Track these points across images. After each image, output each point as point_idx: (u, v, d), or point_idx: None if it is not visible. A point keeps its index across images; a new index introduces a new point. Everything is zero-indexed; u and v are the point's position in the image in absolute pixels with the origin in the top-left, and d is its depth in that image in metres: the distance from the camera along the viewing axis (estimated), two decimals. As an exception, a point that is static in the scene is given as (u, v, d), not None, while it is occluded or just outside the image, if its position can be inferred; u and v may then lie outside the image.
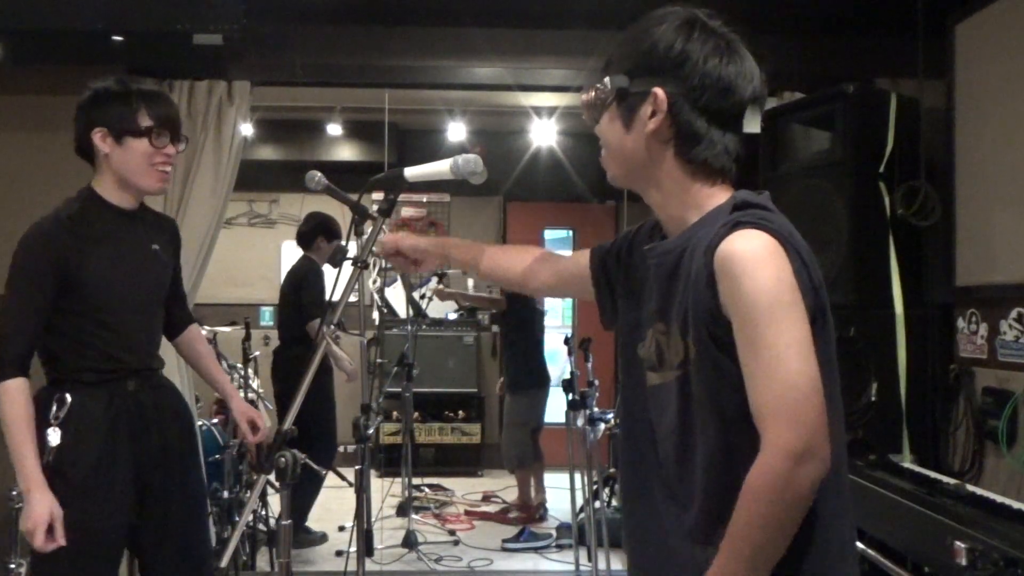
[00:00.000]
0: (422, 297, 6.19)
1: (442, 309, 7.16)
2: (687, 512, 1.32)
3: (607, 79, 1.38)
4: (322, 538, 5.09)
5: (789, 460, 1.15)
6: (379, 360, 5.21)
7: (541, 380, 5.66)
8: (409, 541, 4.86)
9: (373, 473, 4.94)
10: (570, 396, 4.03)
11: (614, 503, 5.19)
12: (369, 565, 4.51)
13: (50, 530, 2.08)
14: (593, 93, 1.41)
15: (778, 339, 1.18)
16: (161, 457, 2.30)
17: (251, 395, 4.62)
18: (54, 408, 2.18)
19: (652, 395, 1.40)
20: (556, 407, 5.70)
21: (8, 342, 2.15)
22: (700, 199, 1.37)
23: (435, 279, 6.21)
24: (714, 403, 1.26)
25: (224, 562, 1.86)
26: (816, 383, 1.18)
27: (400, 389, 5.20)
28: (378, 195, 2.00)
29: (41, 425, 2.15)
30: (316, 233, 5.06)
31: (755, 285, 1.19)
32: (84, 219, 2.27)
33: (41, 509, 2.08)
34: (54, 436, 2.16)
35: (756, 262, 1.20)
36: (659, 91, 1.33)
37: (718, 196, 1.37)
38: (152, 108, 2.25)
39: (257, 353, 5.09)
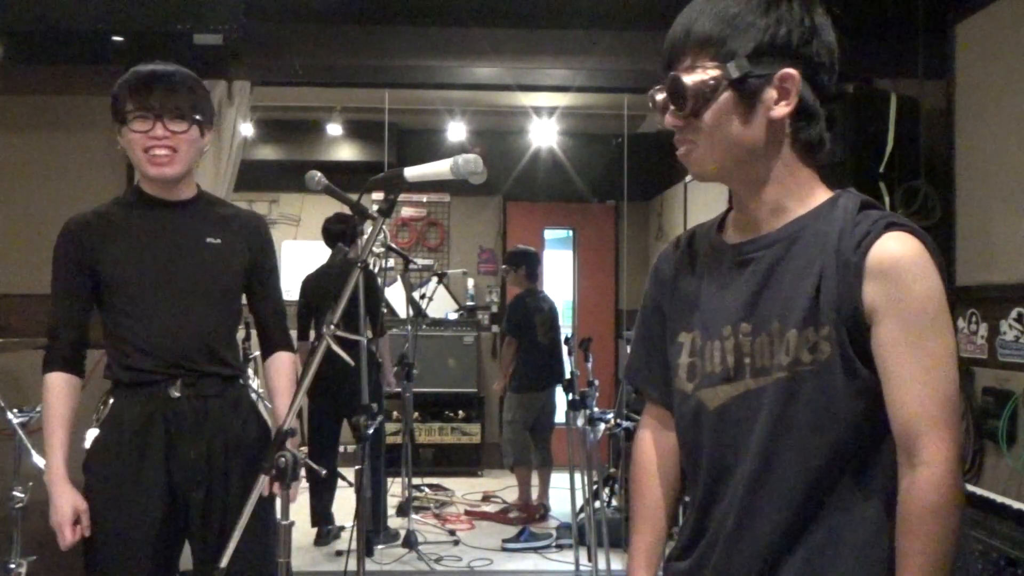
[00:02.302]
0: (422, 297, 6.19)
1: (442, 309, 7.16)
2: (764, 522, 1.24)
3: (723, 66, 1.22)
4: (394, 535, 5.05)
5: (958, 470, 1.15)
6: (379, 360, 5.20)
7: (538, 382, 5.62)
8: (409, 541, 4.86)
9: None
10: (570, 396, 4.03)
11: (614, 503, 5.19)
12: (369, 565, 4.52)
13: (79, 522, 2.08)
14: (703, 82, 1.23)
15: (941, 349, 1.17)
16: (202, 473, 2.14)
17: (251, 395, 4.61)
18: (100, 409, 2.18)
19: (724, 410, 1.28)
20: (557, 407, 5.72)
21: (52, 337, 2.16)
22: (803, 188, 1.29)
23: (435, 279, 6.22)
24: (833, 408, 1.20)
25: (224, 562, 1.85)
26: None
27: (400, 389, 5.20)
28: (378, 195, 2.00)
29: (92, 425, 2.16)
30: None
31: (923, 291, 1.18)
32: (113, 211, 2.21)
33: (61, 503, 2.06)
34: (89, 437, 2.16)
35: (923, 267, 1.18)
36: (794, 72, 1.23)
37: (817, 186, 1.31)
38: (135, 93, 2.09)
39: (256, 353, 5.06)
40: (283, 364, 2.32)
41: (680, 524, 1.43)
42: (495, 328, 7.41)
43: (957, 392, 1.18)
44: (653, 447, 1.46)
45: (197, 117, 2.13)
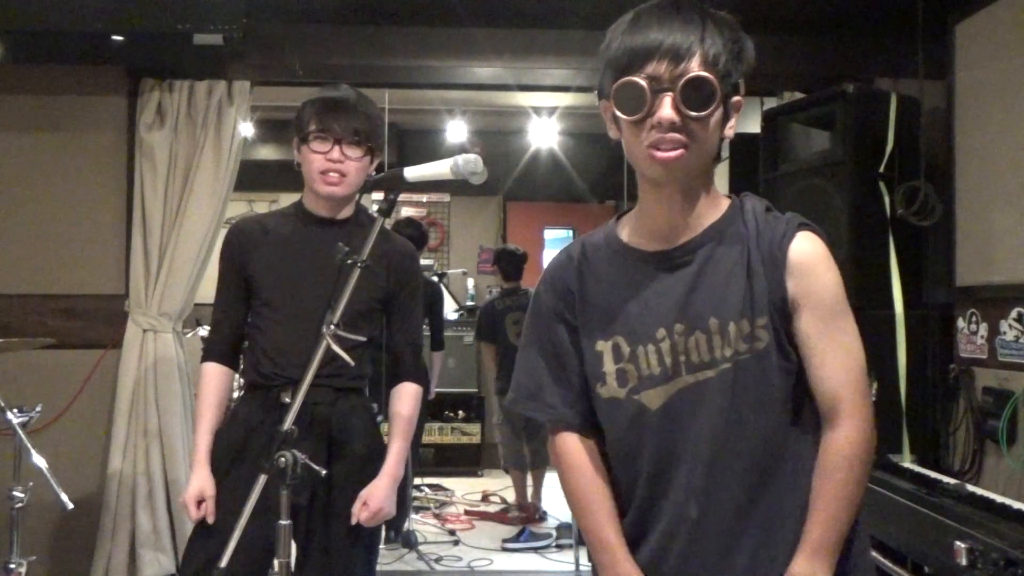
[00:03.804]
0: (422, 297, 6.18)
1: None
2: (723, 503, 1.35)
3: (727, 81, 1.34)
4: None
5: (870, 427, 1.35)
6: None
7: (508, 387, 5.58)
8: (409, 541, 4.86)
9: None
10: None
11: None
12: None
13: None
14: (720, 89, 1.32)
15: (850, 327, 1.37)
16: (306, 478, 2.06)
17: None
18: (231, 406, 2.32)
19: (667, 408, 1.37)
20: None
21: (213, 331, 2.36)
22: (715, 195, 1.42)
23: (435, 279, 6.21)
24: (769, 389, 1.35)
25: (224, 562, 1.85)
26: None
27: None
28: (378, 195, 2.01)
29: None
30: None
31: (833, 280, 1.37)
32: (272, 220, 2.34)
33: (191, 484, 2.19)
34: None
35: (830, 262, 1.38)
36: (742, 99, 1.39)
37: (719, 192, 1.44)
38: (319, 114, 2.22)
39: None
40: (408, 393, 2.34)
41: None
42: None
43: (865, 363, 1.38)
44: (583, 451, 1.48)
45: (371, 145, 2.27)
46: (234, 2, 3.43)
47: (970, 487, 2.69)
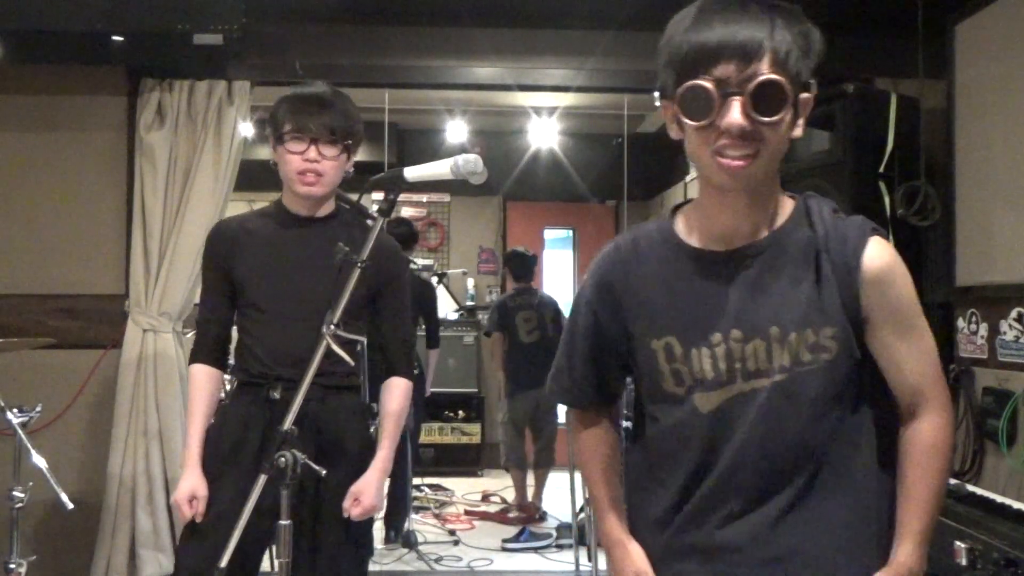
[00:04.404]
0: (422, 297, 6.19)
1: (442, 309, 7.15)
2: (767, 502, 1.34)
3: (797, 80, 1.27)
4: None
5: (952, 415, 1.38)
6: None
7: (520, 381, 5.60)
8: (409, 541, 4.86)
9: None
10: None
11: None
12: (369, 565, 4.52)
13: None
14: (791, 90, 1.25)
15: (925, 326, 1.37)
16: (296, 475, 2.11)
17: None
18: (220, 405, 2.32)
19: (718, 412, 1.35)
20: (558, 406, 5.71)
21: (200, 332, 2.34)
22: (781, 197, 1.39)
23: (435, 279, 6.21)
24: (829, 400, 1.33)
25: (224, 562, 1.85)
26: None
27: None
28: (378, 195, 2.01)
29: None
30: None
31: (908, 287, 1.35)
32: (253, 220, 2.33)
33: (182, 485, 2.17)
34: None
35: (902, 266, 1.36)
36: (811, 97, 1.32)
37: (784, 194, 1.40)
38: (294, 114, 2.19)
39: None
40: (397, 388, 2.33)
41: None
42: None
43: (938, 355, 1.39)
44: (601, 442, 1.55)
45: (348, 143, 2.22)
46: (234, 2, 3.43)
47: (970, 487, 2.69)
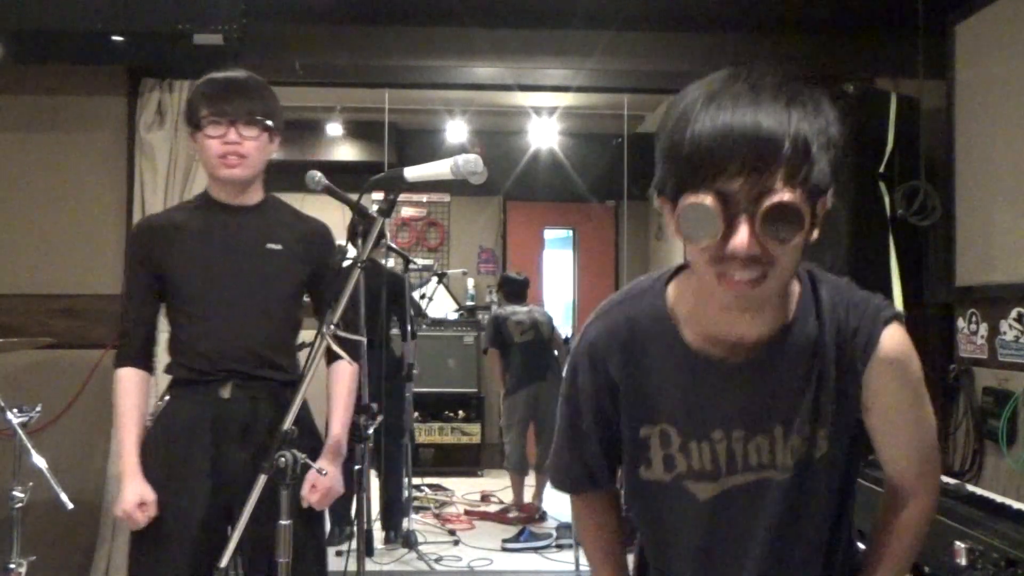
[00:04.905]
0: (422, 297, 6.19)
1: (442, 309, 7.16)
2: None
3: (814, 192, 1.12)
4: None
5: (938, 496, 1.40)
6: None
7: (515, 382, 5.72)
8: (409, 541, 4.86)
9: (373, 473, 4.93)
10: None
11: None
12: (369, 565, 4.51)
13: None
14: (805, 207, 1.09)
15: (927, 403, 1.33)
16: (249, 475, 2.03)
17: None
18: (157, 406, 2.25)
19: (717, 501, 1.32)
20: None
21: (123, 334, 2.25)
22: (788, 291, 1.26)
23: (435, 279, 6.21)
24: (828, 493, 1.33)
25: (224, 562, 1.85)
26: None
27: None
28: (378, 195, 2.01)
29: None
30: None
31: (917, 372, 1.30)
32: (179, 214, 2.28)
33: (126, 494, 2.09)
34: (143, 432, 2.19)
35: (914, 352, 1.29)
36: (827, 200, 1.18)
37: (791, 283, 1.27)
38: (210, 99, 2.14)
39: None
40: (343, 373, 2.30)
41: None
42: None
43: (936, 433, 1.37)
44: (600, 527, 1.51)
45: (268, 123, 2.18)
46: (234, 2, 3.43)
47: (970, 487, 2.69)
